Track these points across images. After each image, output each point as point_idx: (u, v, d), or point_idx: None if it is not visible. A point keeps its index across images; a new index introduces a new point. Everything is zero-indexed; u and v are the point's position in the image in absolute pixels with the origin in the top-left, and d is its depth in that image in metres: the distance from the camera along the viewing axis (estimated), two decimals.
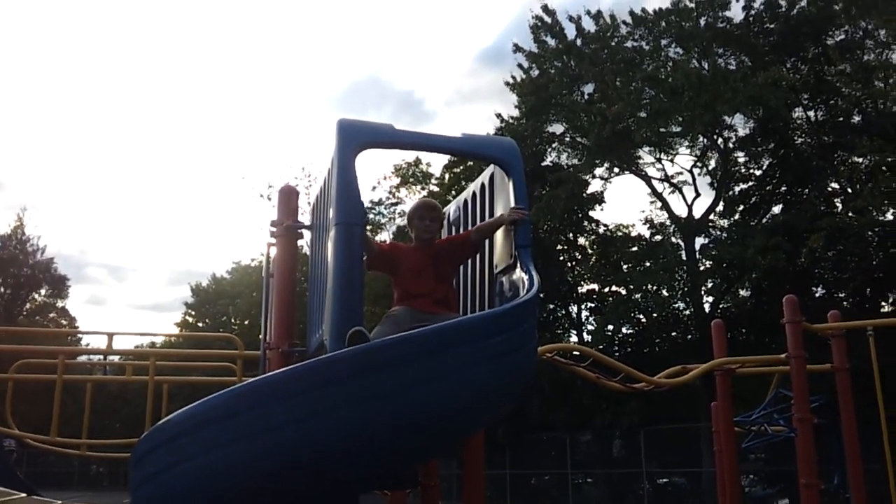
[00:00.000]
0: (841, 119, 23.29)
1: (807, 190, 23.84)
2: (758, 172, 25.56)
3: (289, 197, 5.08)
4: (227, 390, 3.30)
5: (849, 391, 7.37)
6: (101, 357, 9.56)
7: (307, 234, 5.12)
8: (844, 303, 20.69)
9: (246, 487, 2.98)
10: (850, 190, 22.68)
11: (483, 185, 4.72)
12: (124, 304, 76.31)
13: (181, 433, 3.15)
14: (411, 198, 32.46)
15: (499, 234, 4.38)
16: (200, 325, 44.99)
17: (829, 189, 23.67)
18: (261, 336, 5.14)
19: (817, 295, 22.25)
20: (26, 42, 69.80)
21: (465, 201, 5.06)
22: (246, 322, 40.14)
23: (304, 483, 3.04)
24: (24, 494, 6.70)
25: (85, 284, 77.33)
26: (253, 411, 3.05)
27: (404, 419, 3.06)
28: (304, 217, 5.33)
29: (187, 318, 47.58)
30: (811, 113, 24.45)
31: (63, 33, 74.02)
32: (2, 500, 6.04)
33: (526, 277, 3.86)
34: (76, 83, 75.52)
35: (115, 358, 9.24)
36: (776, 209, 24.91)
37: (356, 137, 4.00)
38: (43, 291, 44.82)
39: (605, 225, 28.52)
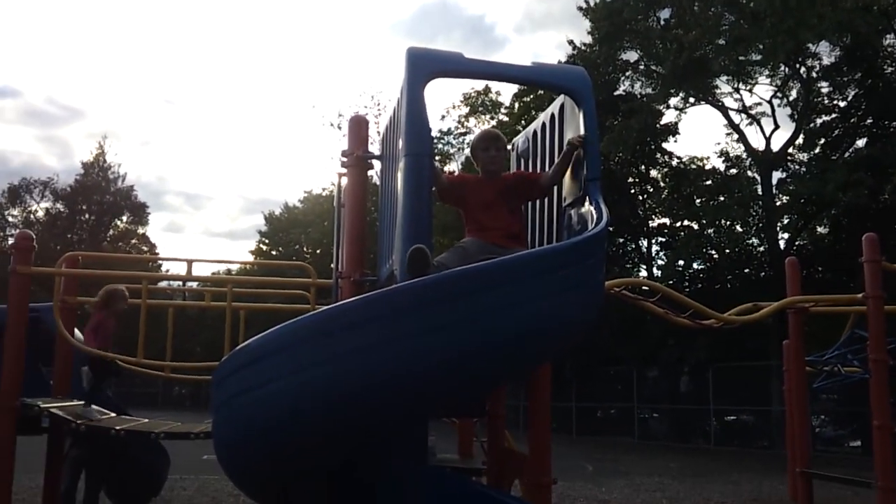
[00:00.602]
0: None
1: (895, 123, 22.68)
2: (842, 104, 24.39)
3: (359, 126, 5.10)
4: (301, 317, 3.41)
5: None
6: (182, 283, 9.91)
7: (377, 164, 5.15)
8: None
9: (321, 411, 3.09)
10: None
11: (553, 116, 4.65)
12: (201, 232, 78.66)
13: (258, 357, 3.28)
14: (480, 127, 32.22)
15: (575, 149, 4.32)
16: (274, 253, 46.10)
17: None
18: (332, 265, 5.26)
19: None
20: None
21: (535, 132, 5.01)
22: (318, 251, 40.95)
23: (375, 409, 3.14)
24: (114, 414, 7.12)
25: (164, 212, 79.95)
26: (326, 338, 3.14)
27: (472, 348, 3.11)
28: (374, 147, 5.37)
29: (261, 246, 48.81)
30: None
31: None
32: (95, 419, 6.43)
33: (594, 211, 3.83)
34: (154, 14, 76.53)
35: (195, 284, 9.55)
36: (860, 143, 23.82)
37: (426, 67, 3.98)
38: (125, 218, 46.50)
39: (679, 157, 27.90)
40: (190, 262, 7.41)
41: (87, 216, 45.06)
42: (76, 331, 7.52)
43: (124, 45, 77.01)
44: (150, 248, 46.22)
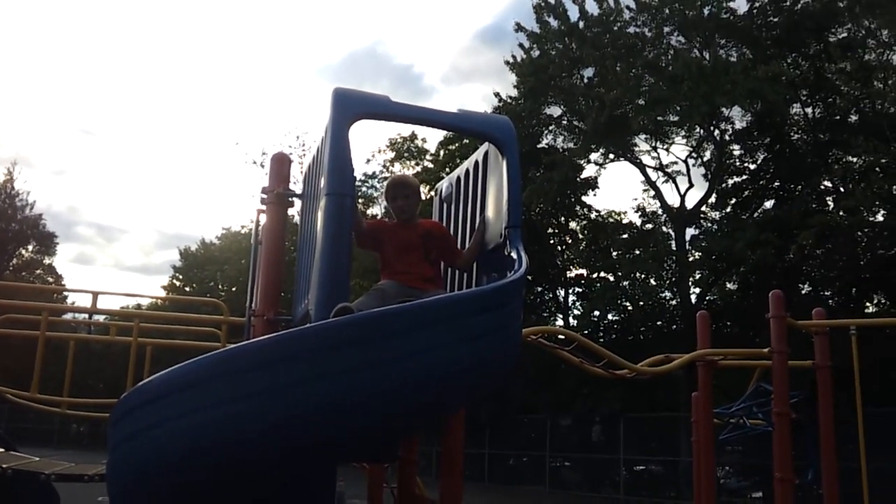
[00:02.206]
0: (838, 117, 23.28)
1: (799, 186, 23.88)
2: (752, 166, 25.60)
3: (281, 164, 5.02)
4: (208, 355, 3.28)
5: (829, 388, 7.42)
6: (86, 316, 9.49)
7: (298, 203, 5.07)
8: (830, 301, 20.83)
9: (221, 453, 2.97)
10: (842, 189, 22.70)
11: (477, 163, 4.69)
12: (112, 265, 76.00)
13: (160, 395, 3.14)
14: (405, 172, 32.36)
15: (490, 213, 4.36)
16: (188, 289, 44.94)
17: (822, 187, 23.69)
18: (247, 303, 5.12)
19: (803, 292, 22.37)
20: None
21: (459, 178, 5.04)
22: (233, 288, 40.12)
23: (280, 452, 3.04)
24: (1, 450, 6.69)
25: (74, 243, 76.96)
26: (233, 377, 3.03)
27: (385, 393, 3.06)
28: (297, 186, 5.29)
29: (175, 281, 47.53)
30: (809, 109, 24.41)
31: None
32: None
33: (514, 257, 3.85)
34: (75, 38, 74.64)
35: (100, 318, 9.16)
36: (768, 204, 24.98)
37: (352, 107, 3.96)
38: (30, 247, 44.59)
39: (598, 210, 28.63)
40: (95, 294, 7.11)
41: None
42: None
43: (43, 72, 74.73)
44: (57, 279, 44.38)
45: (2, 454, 6.44)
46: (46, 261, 45.03)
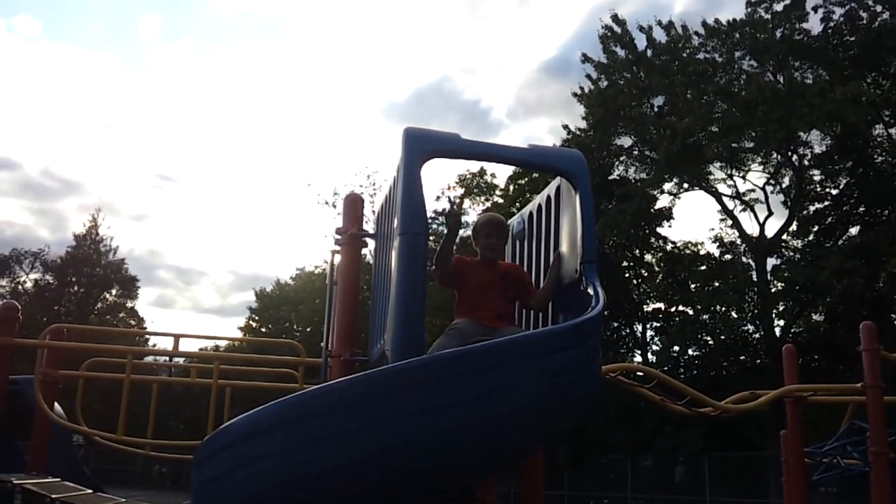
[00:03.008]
0: None
1: (887, 211, 22.96)
2: (834, 192, 24.77)
3: (354, 205, 5.07)
4: (289, 396, 3.29)
5: None
6: (168, 358, 9.75)
7: (371, 243, 5.10)
8: None
9: (303, 495, 2.96)
10: None
11: (549, 198, 4.63)
12: (190, 307, 78.20)
13: (243, 438, 3.16)
14: (475, 209, 32.47)
15: (564, 249, 4.29)
16: (264, 329, 45.70)
17: None
18: (322, 343, 5.15)
19: None
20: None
21: (531, 213, 4.98)
22: (308, 329, 40.61)
23: (363, 494, 3.01)
24: (89, 491, 6.86)
25: (154, 286, 79.63)
26: (313, 420, 3.04)
27: (463, 433, 3.00)
28: (369, 226, 5.33)
29: (251, 322, 48.43)
30: (893, 130, 23.54)
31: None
32: (68, 495, 6.18)
33: (591, 293, 3.76)
34: (154, 90, 78.08)
35: (181, 360, 9.39)
36: (853, 230, 24.10)
37: (423, 146, 3.97)
38: (114, 291, 46.20)
39: (673, 242, 28.06)
40: (177, 338, 7.27)
41: (75, 288, 44.79)
42: (56, 405, 7.32)
43: (124, 121, 78.29)
44: (139, 322, 45.79)
45: (91, 495, 6.61)
46: (129, 304, 46.58)
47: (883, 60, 22.95)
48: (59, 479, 6.42)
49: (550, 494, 24.41)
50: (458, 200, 4.62)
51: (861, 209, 24.19)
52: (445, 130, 4.25)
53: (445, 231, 4.26)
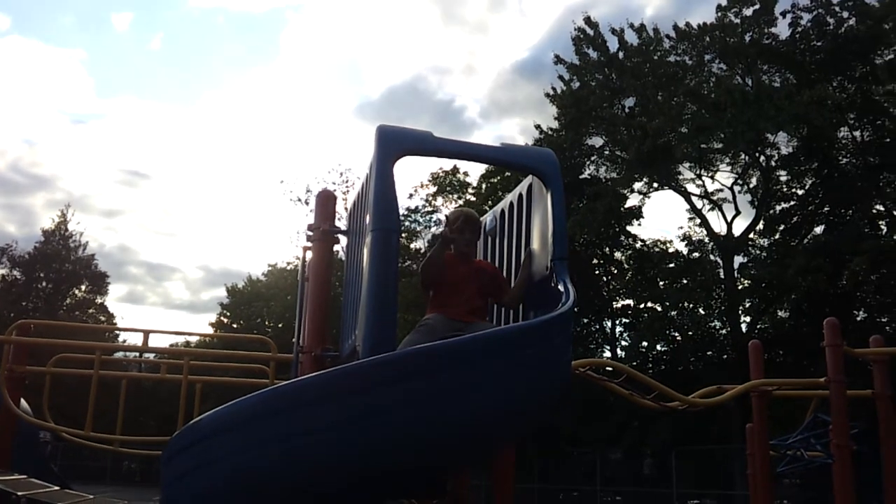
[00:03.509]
0: (888, 140, 22.81)
1: (850, 211, 23.38)
2: (800, 192, 25.16)
3: (326, 201, 5.09)
4: (258, 392, 3.31)
5: (891, 419, 7.16)
6: (137, 354, 9.65)
7: (343, 239, 5.12)
8: (887, 328, 20.22)
9: (272, 490, 2.97)
10: (895, 212, 22.17)
11: (521, 196, 4.68)
12: (161, 303, 77.32)
13: (211, 434, 3.17)
14: (447, 206, 32.48)
15: (535, 246, 4.34)
16: (235, 326, 45.37)
17: (874, 211, 23.16)
18: (294, 339, 5.16)
19: (859, 319, 21.79)
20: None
21: (503, 211, 5.03)
22: (280, 325, 40.41)
23: (329, 488, 3.03)
24: (57, 487, 6.80)
25: (124, 282, 78.55)
26: (283, 415, 3.05)
27: (433, 428, 3.04)
28: (341, 223, 5.34)
29: (222, 318, 48.03)
30: (857, 133, 23.97)
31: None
32: (35, 491, 6.13)
33: (561, 290, 3.81)
34: (124, 87, 77.05)
35: (151, 356, 9.31)
36: (818, 230, 24.51)
37: (395, 144, 4.00)
38: (83, 287, 45.53)
39: (643, 240, 28.31)
40: (146, 333, 7.23)
41: (44, 284, 44.05)
42: (22, 401, 7.23)
43: (95, 117, 77.15)
44: (108, 318, 45.12)
45: (57, 492, 6.55)
46: (98, 300, 45.91)
47: (848, 65, 23.35)
48: (25, 476, 6.35)
49: (520, 488, 24.54)
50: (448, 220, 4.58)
51: (826, 209, 24.59)
52: (419, 129, 4.29)
53: (438, 245, 4.26)
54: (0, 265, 43.61)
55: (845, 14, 23.44)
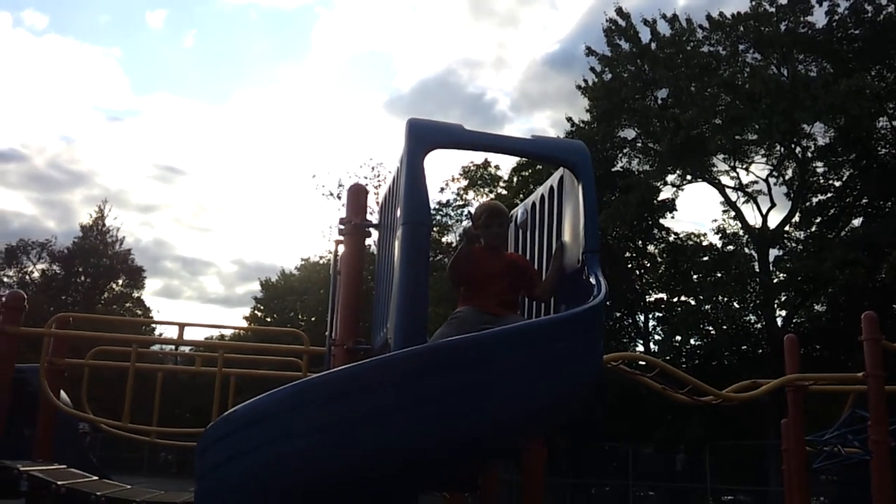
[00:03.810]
0: None
1: (889, 203, 22.91)
2: (837, 183, 24.70)
3: (357, 195, 5.10)
4: (291, 384, 3.34)
5: None
6: (173, 347, 9.80)
7: (375, 233, 5.14)
8: None
9: (308, 482, 3.01)
10: None
11: (552, 188, 4.66)
12: (196, 297, 78.32)
13: (245, 425, 3.21)
14: (479, 200, 32.45)
15: (567, 239, 4.32)
16: (269, 319, 45.77)
17: None
18: (326, 332, 5.20)
19: None
20: None
21: (534, 204, 5.02)
22: (313, 318, 40.68)
23: (364, 480, 3.05)
24: (95, 478, 6.93)
25: (160, 277, 79.71)
26: (316, 406, 3.08)
27: (465, 421, 3.04)
28: (373, 216, 5.36)
29: (256, 312, 48.52)
30: None
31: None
32: (74, 481, 6.25)
33: (593, 283, 3.79)
34: (159, 83, 78.04)
35: (186, 349, 9.45)
36: (856, 222, 24.06)
37: (426, 137, 4.00)
38: (120, 282, 46.31)
39: (676, 233, 28.01)
40: (182, 326, 7.33)
41: (82, 278, 44.90)
42: (62, 393, 7.38)
43: (131, 114, 78.28)
44: (145, 311, 45.86)
45: (96, 482, 6.68)
46: (135, 294, 46.70)
47: (887, 53, 22.84)
48: (64, 466, 6.48)
49: (552, 482, 24.51)
50: (472, 215, 4.53)
51: (864, 201, 24.14)
52: (449, 122, 4.28)
53: (464, 241, 4.23)
54: (40, 260, 44.62)
55: (883, 1, 22.94)
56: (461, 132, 4.13)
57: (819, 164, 24.82)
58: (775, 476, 18.78)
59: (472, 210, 4.61)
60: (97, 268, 44.90)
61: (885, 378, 6.42)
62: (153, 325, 40.31)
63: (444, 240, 31.99)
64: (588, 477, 27.12)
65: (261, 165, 79.98)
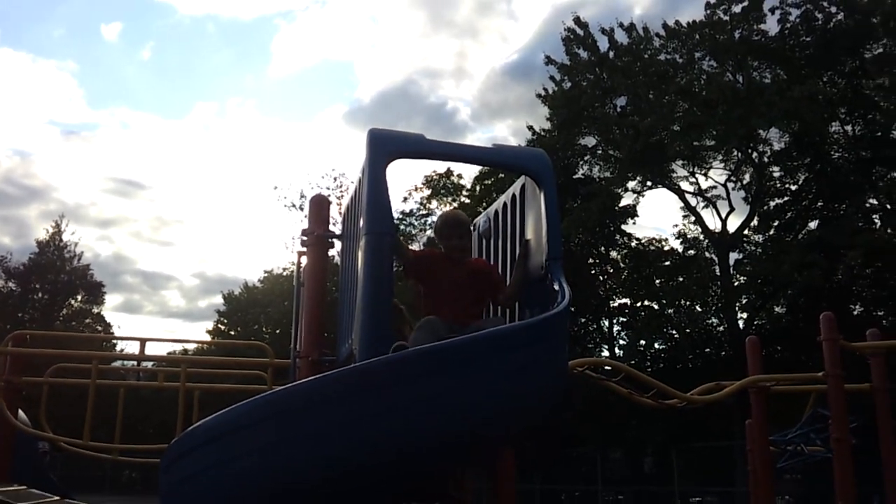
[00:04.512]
0: (879, 134, 22.88)
1: (844, 206, 23.44)
2: (793, 187, 25.21)
3: (320, 206, 5.07)
4: (254, 398, 3.30)
5: (888, 412, 7.17)
6: (135, 363, 9.63)
7: (338, 244, 5.11)
8: (883, 321, 20.25)
9: (272, 497, 2.97)
10: (888, 206, 22.23)
11: (514, 196, 4.68)
12: (158, 312, 77.18)
13: (209, 440, 3.17)
14: (441, 209, 32.50)
15: (531, 246, 4.34)
16: (232, 333, 45.26)
17: (868, 205, 23.23)
18: (291, 345, 5.15)
19: (855, 313, 21.83)
20: None
21: (496, 212, 5.03)
22: (277, 331, 40.32)
23: (329, 495, 3.02)
24: (56, 497, 6.77)
25: (120, 292, 78.40)
26: (281, 420, 3.04)
27: (431, 430, 3.04)
28: (336, 227, 5.33)
29: (219, 326, 47.96)
30: (848, 127, 24.05)
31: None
32: (35, 502, 6.11)
33: (557, 289, 3.81)
34: (111, 93, 76.89)
35: (149, 364, 9.28)
36: (812, 225, 24.56)
37: (387, 147, 3.99)
38: (79, 297, 45.42)
39: (638, 239, 28.36)
40: (143, 342, 7.22)
41: (39, 295, 43.96)
42: (20, 412, 7.20)
43: (87, 128, 77.04)
44: (105, 327, 45.01)
45: (57, 501, 6.53)
46: (95, 310, 45.79)
47: (838, 59, 23.42)
48: (24, 487, 6.33)
49: (522, 488, 24.54)
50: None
51: (819, 204, 24.65)
52: (410, 131, 4.28)
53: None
54: None
55: (833, 9, 23.54)
56: (422, 142, 4.13)
57: (775, 168, 25.32)
58: (741, 476, 19.03)
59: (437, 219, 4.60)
60: (55, 284, 43.99)
61: (844, 377, 6.53)
62: (114, 341, 39.66)
63: (413, 249, 31.89)
64: (558, 483, 27.20)
65: (222, 178, 79.27)
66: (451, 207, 31.10)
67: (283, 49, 75.05)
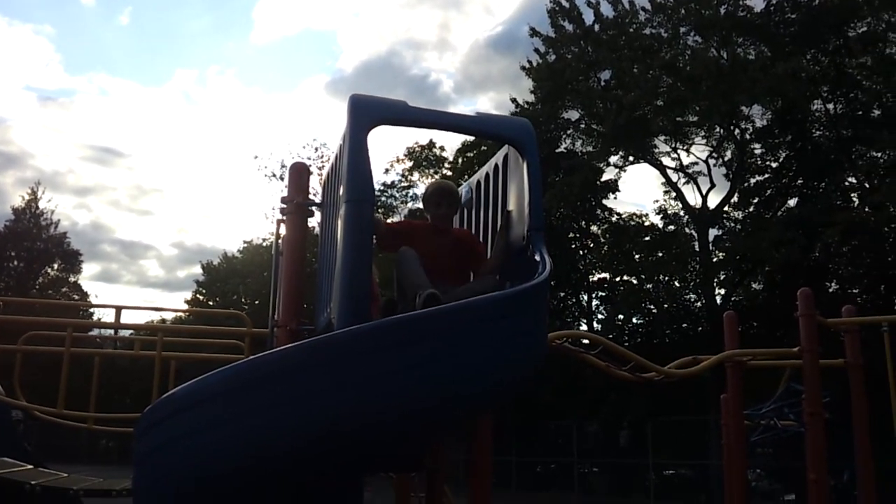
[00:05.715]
0: (860, 112, 22.96)
1: (823, 184, 23.60)
2: (774, 165, 25.32)
3: (300, 174, 4.99)
4: (230, 366, 3.26)
5: (861, 387, 7.26)
6: (112, 332, 9.53)
7: (318, 213, 5.05)
8: (858, 299, 20.49)
9: (246, 465, 2.94)
10: (867, 185, 22.40)
11: (497, 167, 4.64)
12: (136, 282, 76.71)
13: (184, 408, 3.13)
14: (424, 182, 32.40)
15: (512, 217, 4.31)
16: (211, 303, 45.06)
17: (847, 183, 23.40)
18: (269, 314, 5.10)
19: (831, 290, 22.06)
20: None
21: (479, 182, 4.99)
22: (256, 301, 40.18)
23: (306, 463, 3.00)
24: (30, 466, 6.72)
25: (98, 261, 77.79)
26: (257, 388, 3.01)
27: (409, 399, 3.02)
28: (316, 197, 5.26)
29: (198, 296, 47.71)
30: (830, 105, 24.11)
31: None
32: (8, 471, 6.05)
33: (538, 260, 3.79)
34: (97, 61, 75.60)
35: (126, 333, 9.19)
36: (792, 202, 24.72)
37: (369, 113, 3.92)
38: (56, 266, 44.99)
39: (619, 214, 28.44)
40: (119, 309, 7.13)
41: (15, 263, 43.47)
42: None
43: (64, 94, 75.78)
44: (82, 296, 44.63)
45: (31, 471, 6.48)
46: (72, 279, 45.42)
47: (822, 37, 23.40)
48: None
49: (498, 460, 24.77)
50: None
51: (799, 181, 24.79)
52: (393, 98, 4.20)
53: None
54: None
55: None
56: (405, 108, 4.06)
57: (757, 145, 25.39)
58: (716, 450, 19.27)
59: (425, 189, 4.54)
60: (31, 252, 43.51)
61: (819, 353, 6.60)
62: (90, 310, 39.35)
63: (389, 221, 31.82)
64: (534, 455, 27.49)
65: (202, 147, 78.49)
66: (434, 180, 31.00)
67: (265, 16, 74.09)
